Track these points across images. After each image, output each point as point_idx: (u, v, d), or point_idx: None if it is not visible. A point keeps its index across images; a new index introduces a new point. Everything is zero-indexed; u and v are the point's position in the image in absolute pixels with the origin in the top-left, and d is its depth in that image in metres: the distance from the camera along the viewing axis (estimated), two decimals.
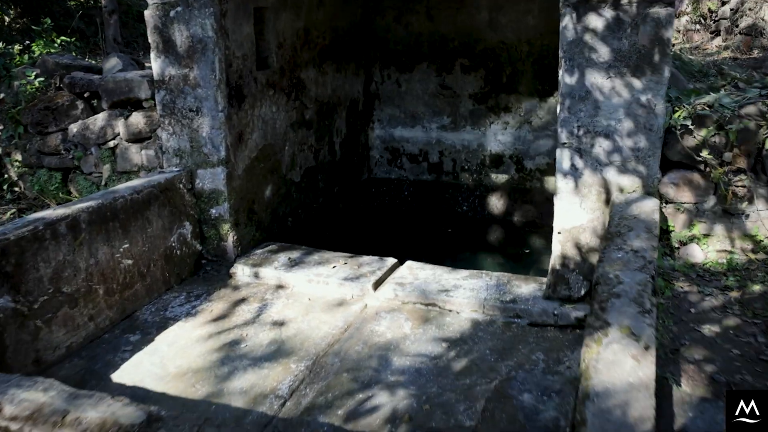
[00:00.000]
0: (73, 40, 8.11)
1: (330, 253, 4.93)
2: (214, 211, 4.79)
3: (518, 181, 6.70)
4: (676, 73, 4.19)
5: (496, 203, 6.81)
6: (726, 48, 7.76)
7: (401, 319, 4.06)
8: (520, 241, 6.63)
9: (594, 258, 3.78)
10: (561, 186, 3.78)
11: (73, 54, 7.43)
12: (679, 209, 3.56)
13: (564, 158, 3.74)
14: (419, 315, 4.10)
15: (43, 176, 5.97)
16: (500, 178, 6.77)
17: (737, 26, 8.86)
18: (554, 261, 3.92)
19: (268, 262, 4.76)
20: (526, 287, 4.17)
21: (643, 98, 3.45)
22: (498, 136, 6.65)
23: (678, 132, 3.49)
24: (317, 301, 4.40)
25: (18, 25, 9.95)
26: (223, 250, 4.89)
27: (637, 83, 3.44)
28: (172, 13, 4.46)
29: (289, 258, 4.82)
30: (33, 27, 8.00)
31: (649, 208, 3.31)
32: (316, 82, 5.87)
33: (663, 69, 3.38)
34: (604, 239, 3.10)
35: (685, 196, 3.53)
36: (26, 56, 6.56)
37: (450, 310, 4.10)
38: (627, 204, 3.46)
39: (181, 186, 4.68)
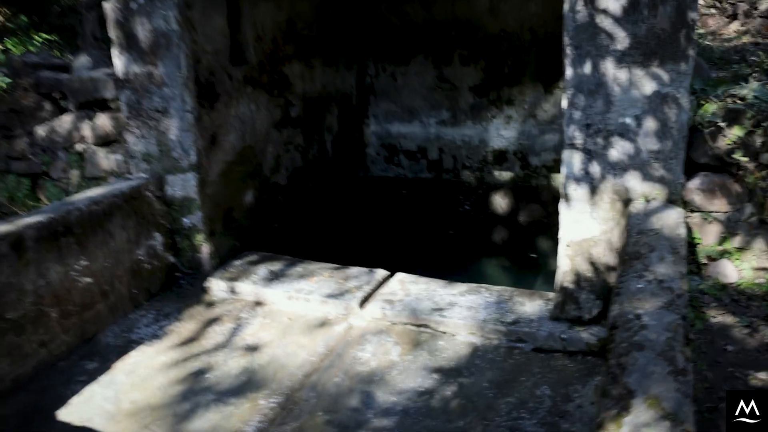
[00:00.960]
0: (55, 37, 7.66)
1: (315, 264, 4.48)
2: (186, 220, 4.35)
3: (523, 178, 6.22)
4: (699, 61, 3.69)
5: (500, 202, 6.33)
6: (745, 33, 7.20)
7: (389, 343, 3.61)
8: (526, 242, 6.15)
9: (608, 275, 3.31)
10: (569, 193, 3.31)
11: (55, 52, 6.99)
12: (707, 219, 3.08)
13: (571, 161, 3.27)
14: (409, 338, 3.65)
15: (11, 182, 5.55)
16: (504, 175, 6.29)
17: (756, 9, 8.29)
18: (562, 277, 3.45)
19: (247, 276, 4.32)
20: (530, 305, 3.70)
21: (664, 91, 2.97)
22: (501, 131, 6.16)
23: (706, 130, 3.00)
24: (297, 320, 3.96)
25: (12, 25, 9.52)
26: (198, 262, 4.46)
27: (657, 73, 2.96)
28: (133, 5, 4.01)
29: (270, 270, 4.37)
30: (8, 24, 7.56)
31: (672, 220, 2.84)
32: (303, 77, 5.40)
33: (687, 56, 2.89)
34: (620, 260, 2.63)
35: (715, 205, 3.05)
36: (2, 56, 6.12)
37: (444, 333, 3.65)
38: (646, 215, 2.98)
39: (148, 194, 4.24)
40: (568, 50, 3.14)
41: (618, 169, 3.17)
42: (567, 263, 3.43)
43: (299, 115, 5.41)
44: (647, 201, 3.14)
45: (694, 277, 2.94)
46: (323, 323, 3.91)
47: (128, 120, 4.31)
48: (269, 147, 4.99)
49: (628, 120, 3.09)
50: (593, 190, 3.26)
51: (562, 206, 3.39)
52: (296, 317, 4.00)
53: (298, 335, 3.79)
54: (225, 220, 4.53)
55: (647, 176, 3.12)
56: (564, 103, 3.26)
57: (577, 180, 3.28)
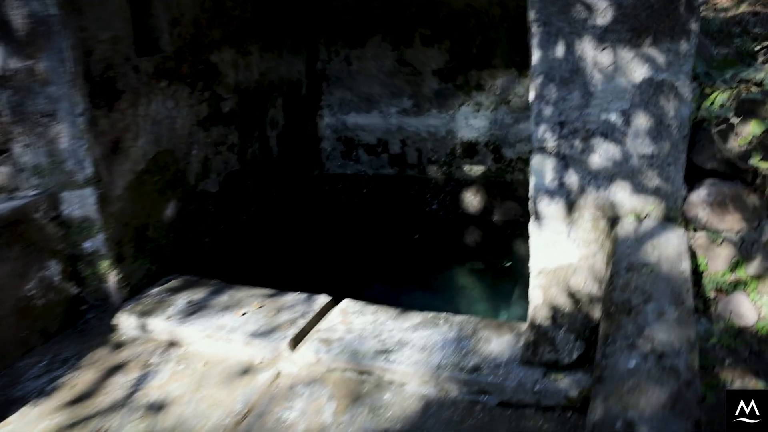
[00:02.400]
0: None
1: (245, 290, 3.77)
2: (87, 244, 3.62)
3: (496, 173, 5.52)
4: (700, 37, 2.99)
5: (472, 200, 5.63)
6: (742, 1, 6.50)
7: (323, 396, 2.92)
8: (501, 245, 5.47)
9: (592, 309, 2.63)
10: (540, 209, 2.62)
11: None
12: (715, 240, 2.39)
13: (542, 169, 2.57)
14: (348, 389, 2.96)
15: None
16: (475, 170, 5.59)
17: None
18: (534, 312, 2.77)
19: (162, 309, 3.60)
20: (497, 342, 3.02)
21: (659, 77, 2.27)
22: (470, 121, 5.45)
23: (714, 128, 2.31)
24: (216, 366, 3.26)
25: None
26: (105, 293, 3.74)
27: (650, 55, 2.25)
28: None
29: (190, 301, 3.66)
30: None
31: (672, 247, 2.15)
32: (236, 65, 4.64)
33: (688, 31, 2.19)
34: (605, 310, 1.94)
35: (726, 221, 2.36)
36: None
37: (391, 382, 2.96)
38: (638, 240, 2.29)
39: (38, 216, 3.50)
40: (535, 27, 2.42)
41: (601, 178, 2.48)
42: (539, 295, 2.74)
43: (233, 110, 4.66)
44: (639, 219, 2.46)
45: (700, 319, 2.26)
46: (246, 370, 3.22)
47: (12, 126, 3.55)
48: (194, 150, 4.24)
49: (613, 116, 2.39)
50: (570, 205, 2.56)
51: (532, 226, 2.70)
52: (215, 362, 3.30)
53: (215, 387, 3.10)
54: (138, 242, 3.80)
55: (638, 187, 2.43)
56: (531, 96, 2.56)
57: (550, 193, 2.58)
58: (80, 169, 3.46)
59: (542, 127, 2.53)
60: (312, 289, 4.70)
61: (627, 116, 2.35)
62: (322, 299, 3.60)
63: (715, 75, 2.46)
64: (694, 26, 2.18)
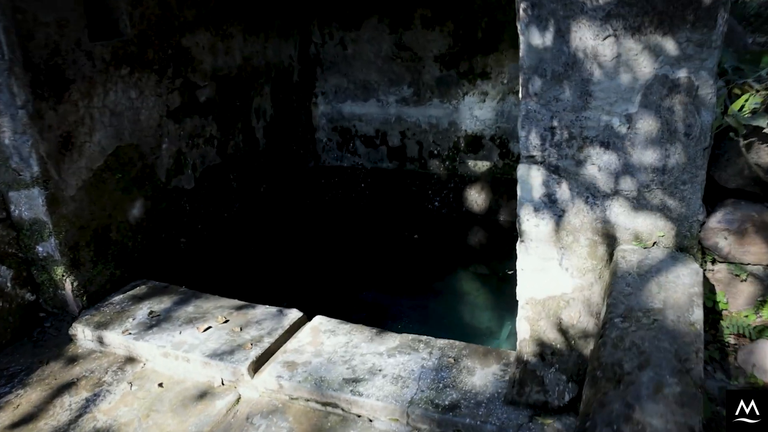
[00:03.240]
0: None
1: (213, 301, 3.43)
2: (40, 248, 3.30)
3: (503, 169, 5.09)
4: (732, 22, 2.52)
5: (476, 198, 5.21)
6: None
7: (282, 430, 2.57)
8: (506, 248, 5.02)
9: (586, 347, 2.23)
10: (526, 229, 2.22)
11: None
12: (738, 275, 1.97)
13: (529, 181, 2.16)
14: (311, 423, 2.60)
15: None
16: (480, 165, 5.16)
17: None
18: (520, 346, 2.38)
19: (120, 320, 3.27)
20: (481, 374, 2.64)
21: (675, 75, 1.84)
22: (474, 112, 5.01)
23: (742, 138, 1.87)
24: (171, 388, 2.93)
25: None
26: (62, 301, 3.42)
27: (663, 46, 1.82)
28: None
29: (151, 312, 3.32)
30: None
31: (683, 289, 1.74)
32: (213, 50, 4.26)
33: (714, 17, 1.75)
34: (590, 374, 1.54)
35: (752, 253, 1.93)
36: None
37: (358, 416, 2.60)
38: (642, 275, 1.88)
39: None
40: (522, 9, 2.00)
41: (600, 196, 2.06)
42: (527, 328, 2.34)
43: (211, 99, 4.28)
44: (645, 247, 2.04)
45: (715, 372, 1.84)
46: (204, 394, 2.88)
47: None
48: (164, 143, 3.88)
49: (616, 121, 1.97)
50: (562, 226, 2.15)
51: (519, 248, 2.30)
52: (172, 383, 2.97)
53: (167, 414, 2.76)
54: (98, 245, 3.47)
55: (645, 209, 2.01)
56: (520, 93, 2.14)
57: (539, 210, 2.17)
58: (26, 167, 3.12)
59: (530, 132, 2.11)
60: (299, 296, 4.36)
61: (633, 122, 1.93)
62: (293, 314, 3.24)
63: (747, 71, 2.01)
64: (722, 10, 1.74)
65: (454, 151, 5.20)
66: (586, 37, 1.94)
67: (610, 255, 2.14)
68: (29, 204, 3.20)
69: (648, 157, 1.94)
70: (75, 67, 3.21)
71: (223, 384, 2.93)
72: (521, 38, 2.06)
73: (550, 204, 2.16)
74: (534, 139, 2.12)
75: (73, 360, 3.21)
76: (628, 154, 1.99)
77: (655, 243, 2.00)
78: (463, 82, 4.98)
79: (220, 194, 4.47)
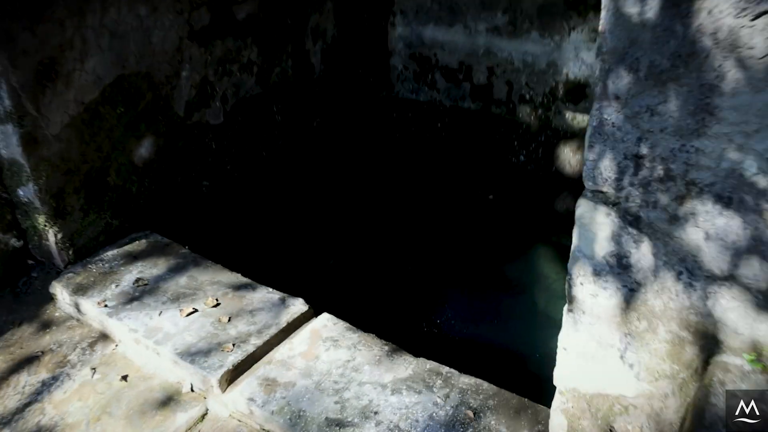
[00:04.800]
0: None
1: (212, 271, 2.90)
2: (21, 192, 2.85)
3: None
4: None
5: (569, 157, 4.29)
6: None
7: None
8: None
9: None
10: (581, 297, 1.46)
11: None
12: None
13: (593, 228, 1.37)
14: None
15: None
16: (579, 119, 4.19)
17: None
18: None
19: (103, 285, 2.81)
20: None
21: None
22: (581, 53, 3.99)
23: None
24: (135, 385, 2.47)
25: None
26: (47, 251, 3.00)
27: None
28: None
29: (138, 279, 2.83)
30: None
31: None
32: None
33: None
34: None
35: None
36: None
37: None
38: (754, 416, 1.08)
39: None
40: None
41: (702, 276, 1.24)
42: (563, 424, 1.60)
43: (253, 15, 3.57)
44: (764, 366, 1.22)
45: None
46: (168, 400, 2.39)
47: None
48: (184, 71, 3.26)
49: (751, 165, 1.12)
50: (634, 305, 1.36)
51: (566, 318, 1.53)
52: (138, 378, 2.50)
53: (120, 420, 2.31)
54: (90, 191, 2.97)
55: None
56: (597, 91, 1.31)
57: (600, 274, 1.39)
58: None
59: (603, 155, 1.29)
60: (327, 262, 3.79)
61: None
62: (296, 308, 2.64)
63: None
64: None
65: (550, 98, 4.24)
66: (720, 10, 1.07)
67: (705, 364, 1.33)
68: (5, 142, 2.71)
69: None
70: None
71: (192, 390, 2.42)
72: (603, 2, 1.22)
73: (620, 269, 1.36)
74: (608, 168, 1.30)
75: (46, 326, 2.80)
76: (764, 222, 1.14)
77: None
78: (572, 14, 3.94)
79: (257, 130, 3.84)
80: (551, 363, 1.64)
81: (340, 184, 4.54)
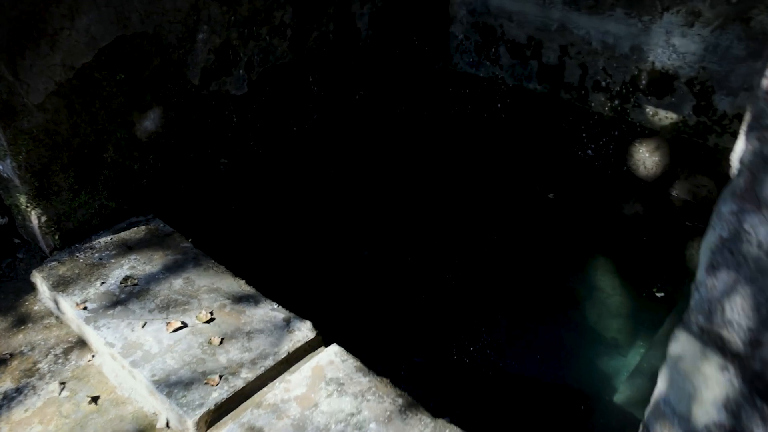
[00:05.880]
0: None
1: (211, 276, 2.50)
2: (1, 167, 2.48)
3: (695, 128, 3.46)
4: None
5: (645, 158, 3.69)
6: None
7: None
8: (673, 240, 3.59)
9: None
10: None
11: None
12: None
13: (695, 381, 0.86)
14: None
15: None
16: (662, 115, 3.57)
17: None
18: None
19: (87, 281, 2.45)
20: None
21: None
22: (673, 38, 3.34)
23: None
24: (105, 412, 2.13)
25: None
26: (32, 233, 2.65)
27: None
28: None
29: (126, 277, 2.46)
30: None
31: None
32: None
33: None
34: None
35: None
36: None
37: None
38: None
39: None
40: None
41: None
42: None
43: None
44: None
45: None
46: None
47: None
48: (201, 33, 2.80)
49: None
50: None
51: None
52: (109, 403, 2.14)
53: None
54: (81, 168, 2.59)
55: None
56: (734, 185, 0.78)
57: None
58: None
59: (734, 288, 0.77)
60: (351, 264, 3.37)
61: None
62: (301, 334, 2.23)
63: None
64: None
65: (630, 88, 3.62)
66: None
67: None
68: None
69: None
70: None
71: (168, 427, 2.04)
72: None
73: None
74: (739, 308, 0.82)
75: (22, 321, 2.47)
76: None
77: None
78: None
79: (289, 102, 3.38)
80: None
81: (380, 167, 4.06)
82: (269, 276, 2.87)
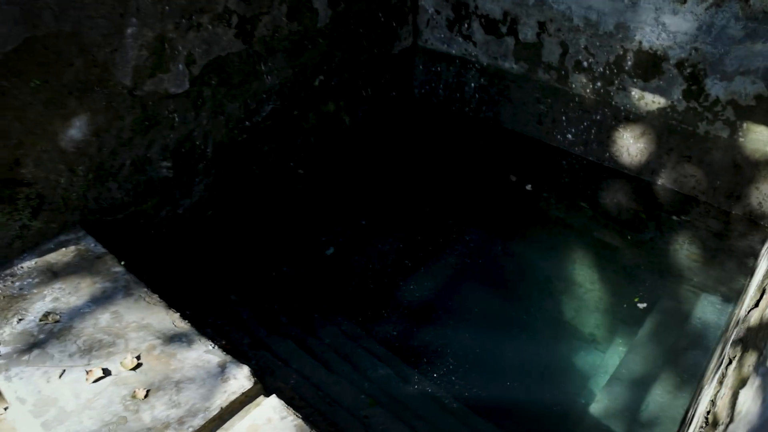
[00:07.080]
0: None
1: (142, 310, 2.24)
2: None
3: (684, 115, 3.19)
4: None
5: (629, 144, 3.43)
6: None
7: None
8: (660, 231, 3.37)
9: None
10: None
11: None
12: None
13: None
14: None
15: None
16: (649, 100, 3.28)
17: None
18: None
19: (0, 319, 2.18)
20: None
21: None
22: (663, 16, 3.03)
23: None
24: None
25: None
26: None
27: None
28: None
29: (47, 314, 2.19)
30: None
31: None
32: None
33: None
34: None
35: None
36: None
37: None
38: None
39: None
40: None
41: None
42: None
43: None
44: None
45: None
46: None
47: None
48: (130, 27, 2.46)
49: None
50: None
51: None
52: None
53: None
54: None
55: None
56: None
57: None
58: None
59: None
60: (315, 259, 3.14)
61: None
62: (237, 383, 1.98)
63: None
64: None
65: (615, 69, 3.32)
66: None
67: None
68: None
69: None
70: None
71: None
72: None
73: None
74: None
75: None
76: None
77: None
78: None
79: (238, 95, 3.06)
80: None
81: (343, 157, 3.78)
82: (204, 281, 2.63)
